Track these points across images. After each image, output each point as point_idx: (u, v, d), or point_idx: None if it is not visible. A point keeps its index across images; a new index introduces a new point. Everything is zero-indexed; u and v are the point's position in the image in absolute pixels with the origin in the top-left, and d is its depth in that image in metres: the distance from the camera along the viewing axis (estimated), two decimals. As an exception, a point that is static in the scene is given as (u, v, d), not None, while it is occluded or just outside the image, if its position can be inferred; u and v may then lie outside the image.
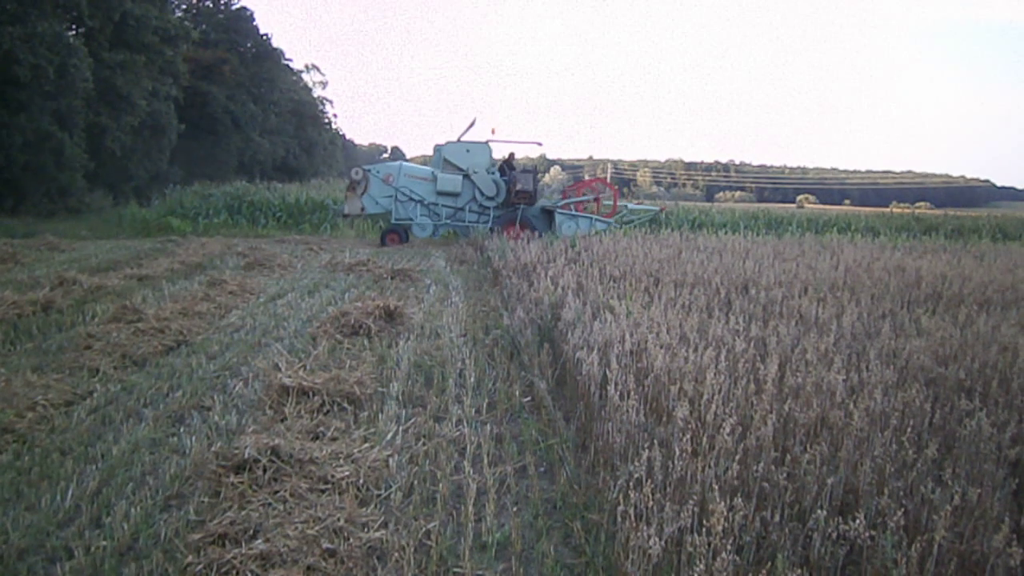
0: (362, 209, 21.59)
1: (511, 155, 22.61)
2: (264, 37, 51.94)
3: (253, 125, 47.91)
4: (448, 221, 21.50)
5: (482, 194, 21.16)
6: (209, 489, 4.92)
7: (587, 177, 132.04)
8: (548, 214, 21.58)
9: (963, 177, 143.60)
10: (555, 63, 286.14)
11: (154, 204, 27.92)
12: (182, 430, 6.08)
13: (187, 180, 35.15)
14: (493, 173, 21.42)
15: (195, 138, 41.18)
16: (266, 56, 51.95)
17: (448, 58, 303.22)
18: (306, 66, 67.89)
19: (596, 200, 22.42)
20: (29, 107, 25.84)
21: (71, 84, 26.81)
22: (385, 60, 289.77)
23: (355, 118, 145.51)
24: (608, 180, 25.93)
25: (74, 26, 30.05)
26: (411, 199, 21.24)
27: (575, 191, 23.98)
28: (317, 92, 67.54)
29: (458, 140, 21.70)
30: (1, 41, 24.43)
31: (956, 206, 74.07)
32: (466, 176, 21.17)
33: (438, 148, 21.83)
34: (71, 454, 5.55)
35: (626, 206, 22.88)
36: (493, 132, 22.12)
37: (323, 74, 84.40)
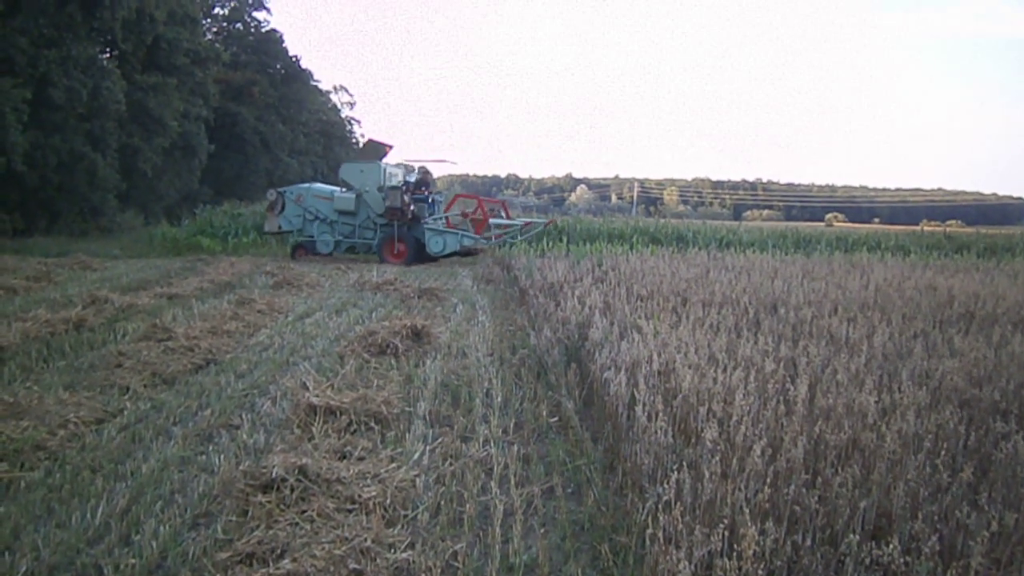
0: (279, 227, 22.80)
1: (425, 173, 23.46)
2: (293, 59, 52.50)
3: (282, 145, 48.40)
4: (343, 238, 22.42)
5: (375, 212, 21.84)
6: (237, 508, 4.93)
7: (613, 197, 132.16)
8: None
9: (995, 195, 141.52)
10: (584, 82, 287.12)
11: (184, 224, 28.32)
12: (211, 448, 6.11)
13: (217, 200, 35.55)
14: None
15: (225, 158, 41.67)
16: (295, 77, 52.46)
17: (480, 80, 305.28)
18: (334, 87, 68.45)
19: (465, 215, 22.70)
20: (63, 128, 26.32)
21: (104, 106, 27.30)
22: (414, 81, 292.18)
23: (383, 138, 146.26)
24: (477, 198, 26.14)
25: (108, 49, 30.65)
26: (317, 217, 22.28)
27: (467, 206, 24.27)
28: (345, 112, 68.15)
29: (355, 161, 23.10)
30: (37, 64, 24.94)
31: (988, 224, 72.91)
32: (359, 195, 21.84)
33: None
34: (101, 472, 5.60)
35: (493, 223, 23.09)
36: (387, 151, 22.99)
37: (351, 95, 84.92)
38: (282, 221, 22.49)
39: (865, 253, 24.92)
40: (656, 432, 5.09)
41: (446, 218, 22.07)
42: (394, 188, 21.40)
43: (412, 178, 23.01)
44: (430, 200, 22.56)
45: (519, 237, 23.76)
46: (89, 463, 5.73)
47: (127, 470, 5.64)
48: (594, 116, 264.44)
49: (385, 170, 21.96)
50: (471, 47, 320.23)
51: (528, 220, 25.57)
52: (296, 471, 5.13)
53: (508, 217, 24.06)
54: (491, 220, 22.63)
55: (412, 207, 21.52)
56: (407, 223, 21.54)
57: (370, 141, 22.61)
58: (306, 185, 23.60)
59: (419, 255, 21.53)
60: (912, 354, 7.61)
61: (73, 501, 5.09)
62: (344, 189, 22.39)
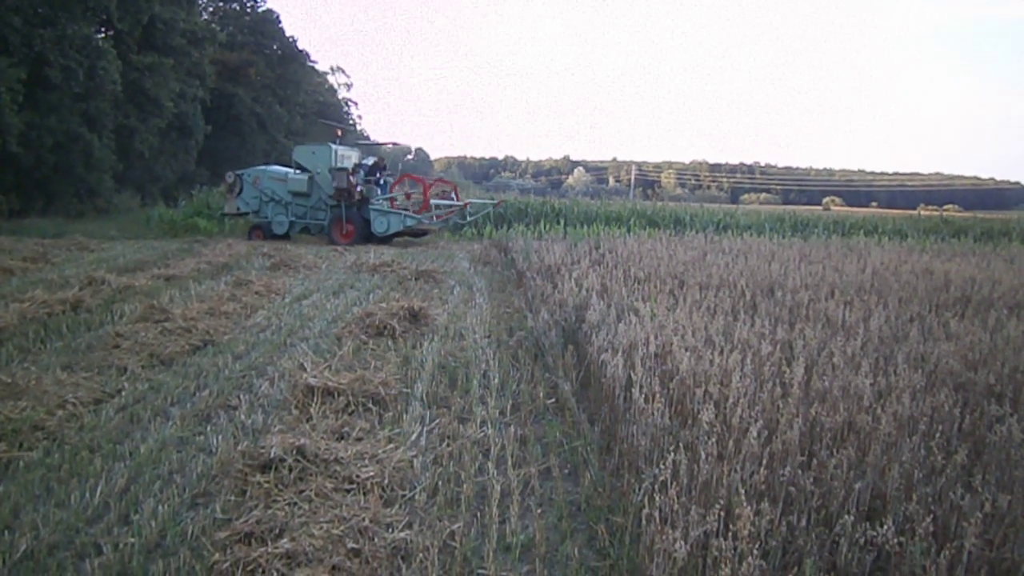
0: (238, 209, 23.14)
1: (381, 158, 24.27)
2: (290, 39, 52.12)
3: (278, 127, 48.17)
4: (296, 219, 22.69)
5: (326, 193, 22.09)
6: (235, 488, 4.95)
7: (611, 179, 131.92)
8: None
9: (992, 179, 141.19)
10: (579, 65, 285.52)
11: (181, 205, 28.21)
12: (209, 429, 6.13)
13: (214, 181, 35.36)
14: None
15: (221, 139, 41.46)
16: (292, 58, 52.10)
17: (473, 62, 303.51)
18: (331, 68, 68.02)
19: (408, 195, 23.25)
20: (59, 109, 26.18)
21: (100, 86, 27.14)
22: (411, 62, 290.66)
23: (380, 119, 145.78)
24: (448, 183, 26.65)
25: (103, 29, 30.42)
26: (273, 199, 22.62)
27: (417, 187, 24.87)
28: (342, 94, 67.78)
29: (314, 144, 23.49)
30: (32, 44, 24.79)
31: (985, 208, 72.98)
32: (311, 177, 22.09)
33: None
34: (100, 452, 5.61)
35: (434, 204, 23.56)
36: (339, 134, 23.25)
37: (348, 76, 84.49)
38: (239, 203, 22.84)
39: (862, 237, 24.95)
40: (653, 413, 5.11)
41: (391, 199, 22.29)
42: (341, 170, 21.58)
43: (368, 161, 23.34)
44: (382, 183, 22.81)
45: (468, 218, 24.78)
46: (87, 443, 5.75)
47: (125, 450, 5.66)
48: (592, 99, 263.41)
49: (336, 152, 22.17)
50: (469, 31, 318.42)
51: (468, 200, 26.03)
52: (294, 451, 5.15)
53: (458, 199, 24.70)
54: (433, 201, 23.02)
55: (360, 188, 21.77)
56: (355, 204, 21.77)
57: (322, 123, 22.69)
58: (262, 167, 23.92)
59: (367, 235, 21.78)
60: (908, 337, 7.64)
61: (72, 481, 5.11)
62: (298, 171, 22.60)
